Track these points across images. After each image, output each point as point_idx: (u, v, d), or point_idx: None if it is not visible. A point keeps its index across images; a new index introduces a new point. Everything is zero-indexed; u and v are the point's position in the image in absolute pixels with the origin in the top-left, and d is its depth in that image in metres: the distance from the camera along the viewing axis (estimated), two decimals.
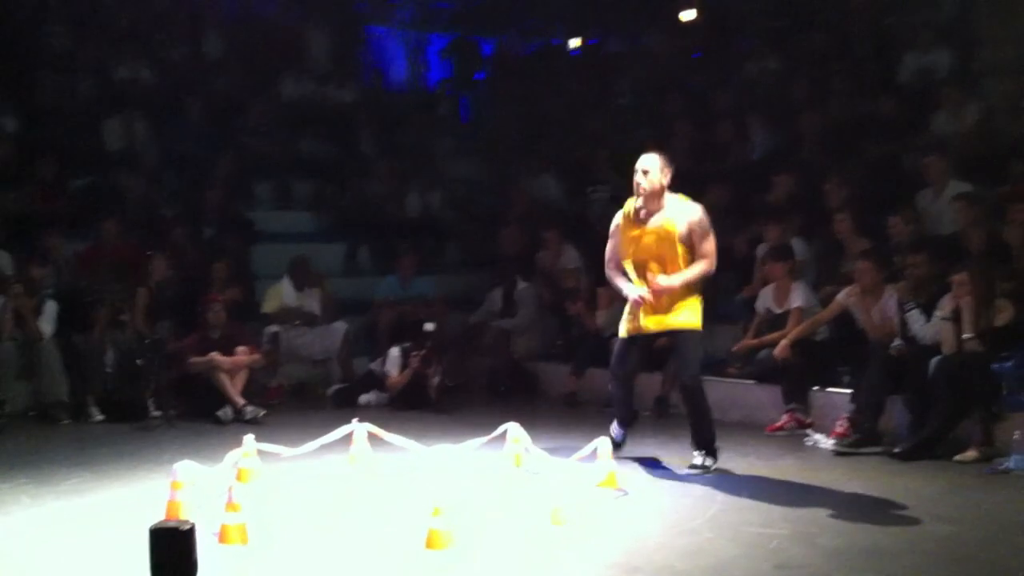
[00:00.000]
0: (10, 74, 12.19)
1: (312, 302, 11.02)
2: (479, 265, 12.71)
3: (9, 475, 5.03)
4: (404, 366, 9.93)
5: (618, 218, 7.09)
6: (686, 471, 7.00)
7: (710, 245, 6.86)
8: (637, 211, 6.92)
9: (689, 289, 6.91)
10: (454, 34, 17.04)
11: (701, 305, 7.02)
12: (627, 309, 7.07)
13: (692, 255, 6.87)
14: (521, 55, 16.62)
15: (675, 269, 6.85)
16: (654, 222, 6.87)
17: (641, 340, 7.08)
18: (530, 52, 16.71)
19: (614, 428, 7.45)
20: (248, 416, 9.11)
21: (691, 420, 7.12)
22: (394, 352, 10.03)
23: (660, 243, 6.87)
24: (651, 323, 6.95)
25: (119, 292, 10.11)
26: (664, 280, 6.80)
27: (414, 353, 9.85)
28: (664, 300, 6.86)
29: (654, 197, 6.85)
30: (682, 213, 6.86)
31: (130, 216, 11.58)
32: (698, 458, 7.04)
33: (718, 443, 7.12)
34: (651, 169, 6.81)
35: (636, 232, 6.93)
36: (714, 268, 6.92)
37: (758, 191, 10.90)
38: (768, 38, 13.22)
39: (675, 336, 7.00)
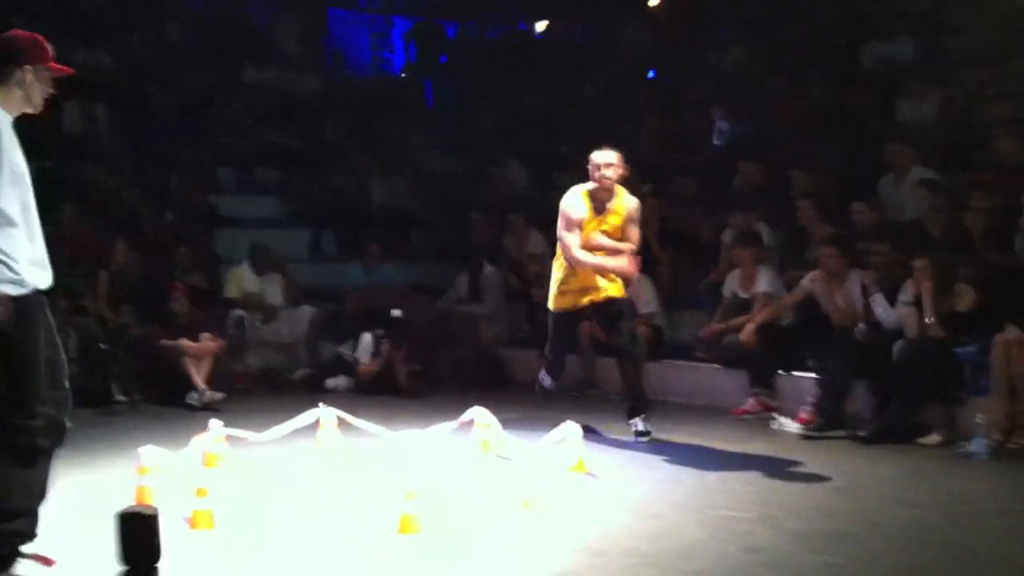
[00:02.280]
0: None
1: (273, 287, 10.98)
2: (445, 252, 12.69)
3: None
4: (376, 353, 9.91)
5: (582, 209, 7.51)
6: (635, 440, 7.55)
7: (636, 234, 7.57)
8: (596, 201, 7.50)
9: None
10: (418, 18, 16.95)
11: None
12: (562, 287, 7.65)
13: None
14: (485, 39, 16.56)
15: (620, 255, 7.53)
16: (612, 209, 7.52)
17: (575, 316, 7.86)
18: (495, 36, 16.65)
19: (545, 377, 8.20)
20: (207, 400, 9.05)
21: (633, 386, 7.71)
22: (366, 338, 10.01)
23: (615, 229, 7.53)
24: (586, 299, 7.61)
25: (80, 277, 10.02)
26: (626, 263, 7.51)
27: (384, 340, 9.84)
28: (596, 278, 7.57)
29: (612, 188, 7.49)
30: (628, 202, 7.54)
31: (91, 202, 11.45)
32: (641, 424, 7.62)
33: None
34: (615, 163, 7.44)
35: (595, 221, 7.49)
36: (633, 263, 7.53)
37: (724, 179, 10.96)
38: (739, 27, 13.27)
39: (617, 302, 7.62)
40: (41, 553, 4.42)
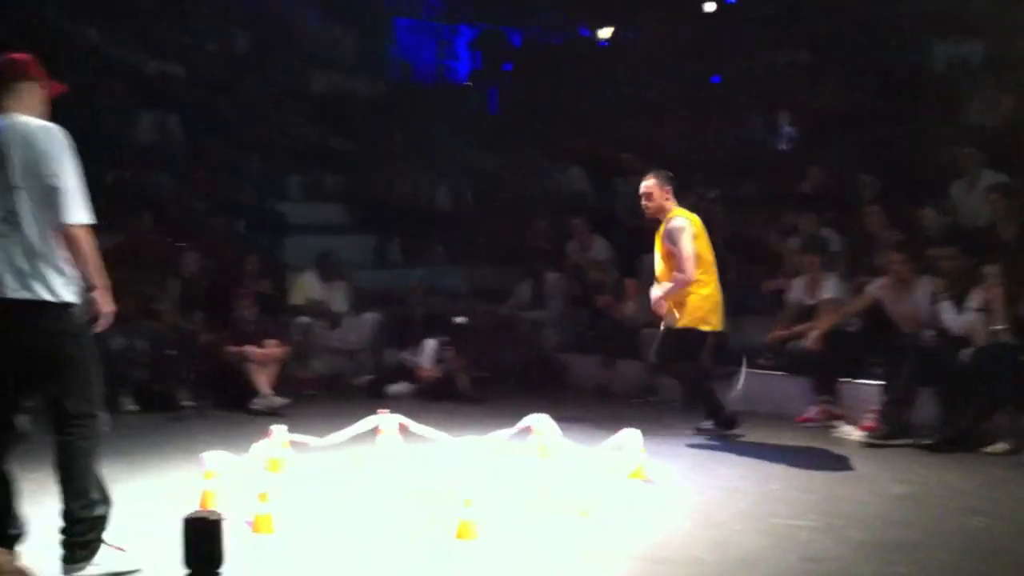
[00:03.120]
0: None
1: (338, 294, 11.09)
2: (507, 258, 12.72)
3: (43, 465, 5.16)
4: (440, 359, 9.97)
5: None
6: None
7: (683, 251, 7.46)
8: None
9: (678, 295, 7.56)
10: (483, 25, 17.04)
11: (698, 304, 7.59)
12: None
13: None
14: (549, 45, 16.59)
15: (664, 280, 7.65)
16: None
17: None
18: (558, 43, 16.67)
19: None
20: (273, 405, 9.17)
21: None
22: (429, 344, 10.06)
23: (662, 258, 7.67)
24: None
25: (151, 284, 10.21)
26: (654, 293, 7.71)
27: (448, 346, 9.89)
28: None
29: (660, 215, 7.57)
30: (666, 225, 7.58)
31: (163, 210, 11.68)
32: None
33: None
34: (650, 190, 7.58)
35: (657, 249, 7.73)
36: (689, 276, 7.45)
37: (789, 183, 10.86)
38: (794, 29, 13.15)
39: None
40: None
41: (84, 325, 4.65)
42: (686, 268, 7.44)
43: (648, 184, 7.60)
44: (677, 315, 7.57)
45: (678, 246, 7.47)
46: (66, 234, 4.53)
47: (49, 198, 4.48)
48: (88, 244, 4.56)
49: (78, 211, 4.52)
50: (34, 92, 4.70)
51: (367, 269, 12.36)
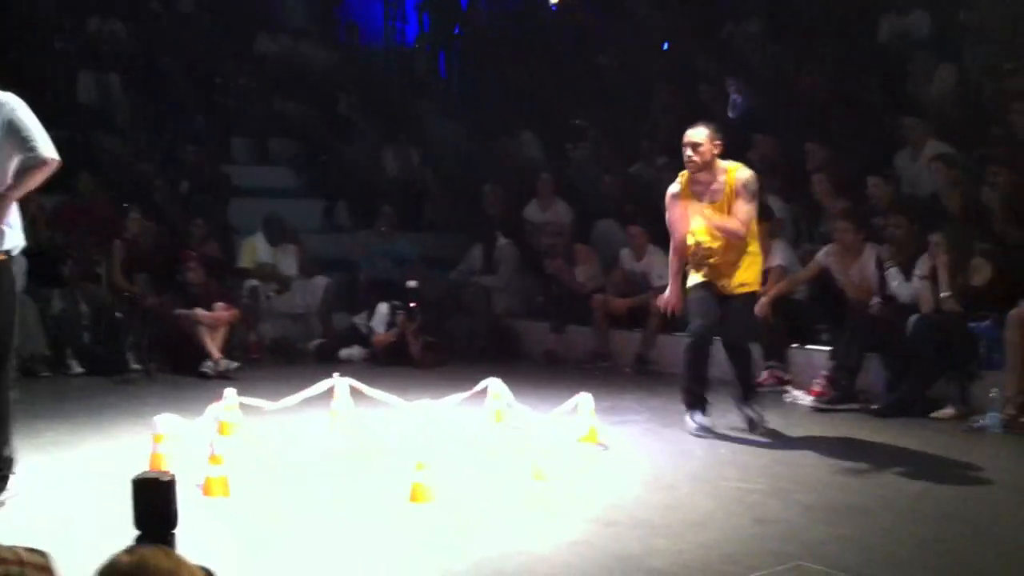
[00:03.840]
0: None
1: (287, 258, 11.00)
2: (458, 225, 12.68)
3: None
4: (391, 323, 9.93)
5: (670, 194, 6.93)
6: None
7: (743, 211, 6.67)
8: (692, 185, 6.80)
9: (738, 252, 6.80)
10: None
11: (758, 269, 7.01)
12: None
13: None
14: (498, 10, 16.44)
15: (729, 249, 6.75)
16: (717, 195, 6.72)
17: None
18: (511, 7, 16.53)
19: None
20: (221, 368, 9.10)
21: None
22: (382, 308, 10.03)
23: (720, 208, 6.75)
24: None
25: (94, 246, 10.07)
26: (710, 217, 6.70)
27: (400, 310, 9.86)
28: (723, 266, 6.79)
29: (706, 169, 6.73)
30: (735, 178, 6.73)
31: (105, 171, 11.48)
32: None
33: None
34: (700, 141, 6.69)
35: (694, 206, 6.80)
36: (742, 232, 6.67)
37: (738, 152, 10.89)
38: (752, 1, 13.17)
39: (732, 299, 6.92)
40: None
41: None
42: (743, 227, 6.66)
43: (700, 135, 6.70)
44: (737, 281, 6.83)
45: (751, 203, 6.71)
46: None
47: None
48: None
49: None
50: None
51: (316, 233, 12.25)
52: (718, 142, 6.72)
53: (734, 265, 6.79)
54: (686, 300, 7.04)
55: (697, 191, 6.75)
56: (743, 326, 7.13)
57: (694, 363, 6.95)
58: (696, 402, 6.98)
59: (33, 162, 5.13)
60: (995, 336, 7.12)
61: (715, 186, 6.72)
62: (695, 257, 6.85)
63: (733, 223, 6.65)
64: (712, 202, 6.71)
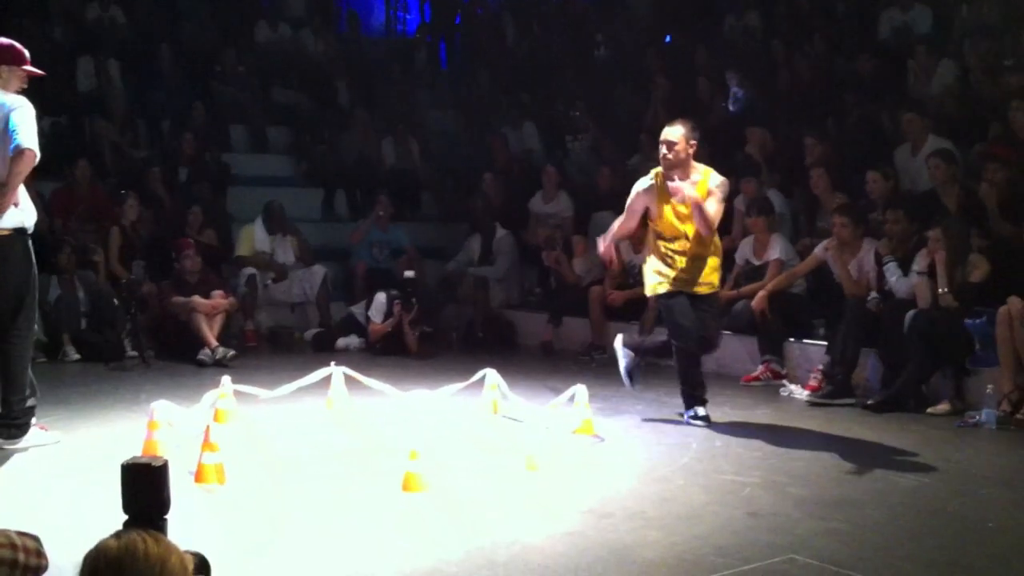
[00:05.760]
0: None
1: (285, 247, 11.00)
2: (455, 215, 12.68)
3: None
4: (389, 313, 9.93)
5: (644, 189, 6.98)
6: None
7: (714, 208, 6.78)
8: (665, 182, 6.85)
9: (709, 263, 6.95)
10: None
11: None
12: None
13: None
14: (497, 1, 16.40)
15: (701, 243, 6.84)
16: (689, 193, 6.73)
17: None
18: None
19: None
20: (218, 356, 9.10)
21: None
22: (380, 298, 10.01)
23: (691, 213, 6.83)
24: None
25: (90, 233, 10.07)
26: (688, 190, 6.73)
27: (397, 300, 9.86)
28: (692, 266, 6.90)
29: (680, 168, 6.80)
30: (709, 181, 6.83)
31: (103, 158, 11.46)
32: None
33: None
34: (676, 140, 6.78)
35: (667, 204, 6.87)
36: (713, 223, 6.80)
37: (737, 146, 10.90)
38: None
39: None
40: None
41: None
42: (711, 226, 6.80)
43: (676, 133, 6.79)
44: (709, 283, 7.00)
45: (722, 204, 6.86)
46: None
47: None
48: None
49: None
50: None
51: (315, 223, 12.24)
52: (693, 142, 6.83)
53: (701, 267, 6.90)
54: (660, 306, 7.18)
55: (672, 189, 6.78)
56: (719, 324, 7.38)
57: (690, 368, 7.05)
58: (697, 401, 7.04)
59: (13, 152, 5.70)
60: (989, 332, 7.12)
61: (687, 184, 6.75)
62: (661, 251, 6.92)
63: (708, 212, 6.72)
64: (682, 202, 6.77)
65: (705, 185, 6.80)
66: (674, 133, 6.80)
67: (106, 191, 10.90)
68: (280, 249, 10.96)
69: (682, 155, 6.76)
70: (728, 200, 9.79)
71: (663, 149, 6.81)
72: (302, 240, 11.21)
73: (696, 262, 6.88)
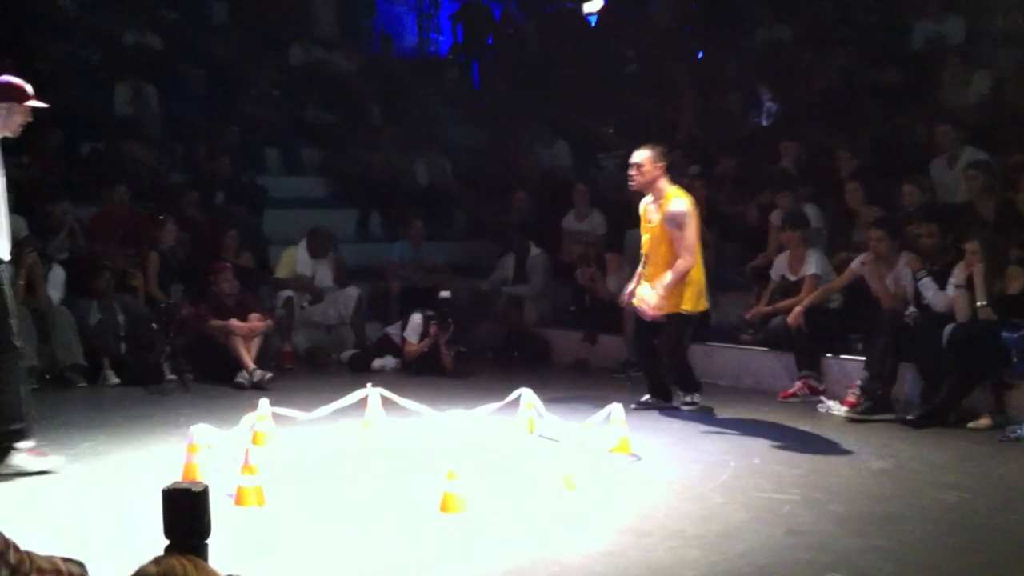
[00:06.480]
0: (17, 42, 12.09)
1: (325, 269, 11.05)
2: (487, 233, 12.70)
3: None
4: (424, 333, 9.95)
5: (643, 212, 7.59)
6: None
7: (686, 239, 7.26)
8: (648, 205, 7.41)
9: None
10: None
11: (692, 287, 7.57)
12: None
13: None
14: (531, 19, 16.46)
15: (658, 266, 7.42)
16: (653, 216, 7.37)
17: None
18: (546, 12, 16.53)
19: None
20: (256, 379, 9.15)
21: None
22: (416, 319, 10.01)
23: (654, 238, 7.45)
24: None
25: (129, 257, 10.17)
26: (649, 296, 7.38)
27: (433, 320, 9.87)
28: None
29: (651, 190, 7.25)
30: (666, 206, 7.29)
31: (139, 182, 11.59)
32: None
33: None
34: (641, 162, 7.27)
35: (645, 225, 7.48)
36: (690, 264, 7.32)
37: (767, 159, 10.87)
38: (776, 6, 13.12)
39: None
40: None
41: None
42: (688, 256, 7.25)
43: (642, 156, 7.32)
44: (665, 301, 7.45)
45: (684, 232, 7.25)
46: None
47: None
48: None
49: None
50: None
51: (349, 243, 12.31)
52: (660, 164, 7.27)
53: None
54: (691, 320, 7.74)
55: (650, 214, 7.39)
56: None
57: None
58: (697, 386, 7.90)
59: None
60: None
61: (656, 209, 7.33)
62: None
63: (678, 268, 7.29)
64: (649, 222, 7.35)
65: (664, 208, 7.29)
66: (640, 156, 7.27)
67: (144, 215, 11.02)
68: (321, 271, 11.02)
69: (648, 177, 7.22)
70: (763, 214, 9.92)
71: (631, 171, 7.28)
72: (340, 262, 11.26)
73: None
